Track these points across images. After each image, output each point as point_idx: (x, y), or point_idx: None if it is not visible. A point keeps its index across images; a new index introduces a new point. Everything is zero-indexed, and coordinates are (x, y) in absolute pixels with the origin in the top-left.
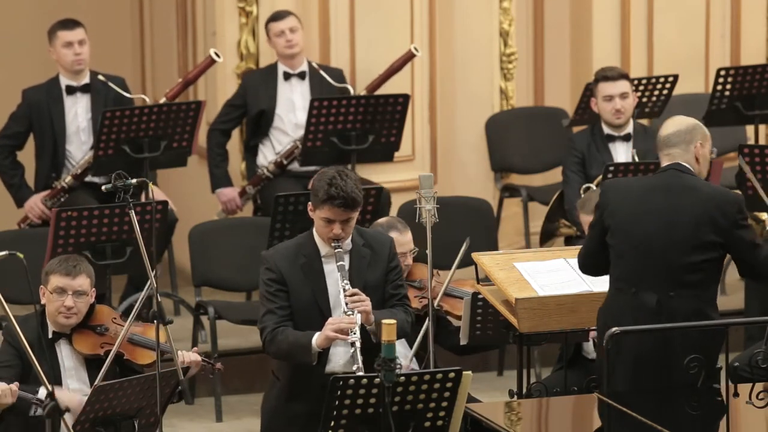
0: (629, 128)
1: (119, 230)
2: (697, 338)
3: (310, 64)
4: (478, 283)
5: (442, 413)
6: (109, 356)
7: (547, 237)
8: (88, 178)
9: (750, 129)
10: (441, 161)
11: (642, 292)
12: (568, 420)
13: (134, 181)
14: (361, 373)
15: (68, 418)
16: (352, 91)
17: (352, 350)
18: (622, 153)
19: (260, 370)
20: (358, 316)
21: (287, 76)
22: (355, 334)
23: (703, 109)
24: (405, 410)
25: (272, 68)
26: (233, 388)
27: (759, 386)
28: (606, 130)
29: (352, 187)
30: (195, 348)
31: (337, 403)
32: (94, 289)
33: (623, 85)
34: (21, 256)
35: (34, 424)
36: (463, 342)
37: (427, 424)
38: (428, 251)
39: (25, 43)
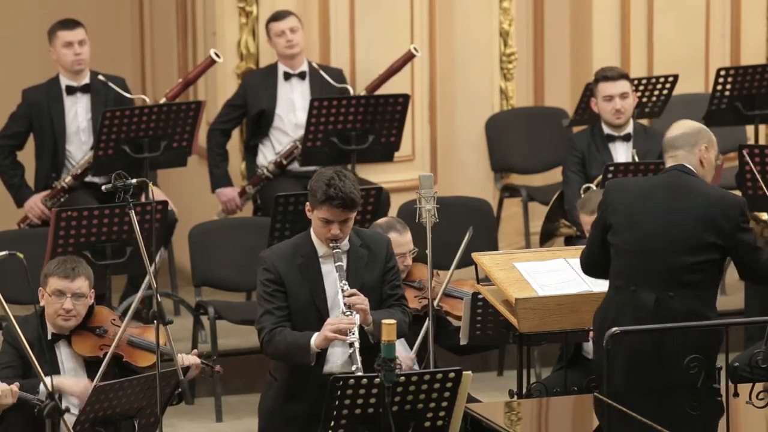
0: (629, 128)
1: (119, 230)
2: (694, 339)
3: (310, 64)
4: (478, 283)
5: (442, 413)
6: (106, 358)
7: (547, 237)
8: (88, 178)
9: (750, 129)
10: (441, 161)
11: (641, 291)
12: (568, 420)
13: (134, 181)
14: (360, 374)
15: (72, 407)
16: (351, 92)
17: (351, 350)
18: (622, 153)
19: (260, 370)
20: (357, 316)
21: (287, 76)
22: (354, 334)
23: (703, 109)
24: (405, 410)
25: (272, 68)
26: (233, 388)
27: (759, 386)
28: (606, 130)
29: (350, 187)
30: (195, 351)
31: (337, 403)
32: (93, 290)
33: (623, 85)
34: (21, 256)
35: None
36: (463, 342)
37: (427, 424)
38: (428, 251)
39: (25, 43)
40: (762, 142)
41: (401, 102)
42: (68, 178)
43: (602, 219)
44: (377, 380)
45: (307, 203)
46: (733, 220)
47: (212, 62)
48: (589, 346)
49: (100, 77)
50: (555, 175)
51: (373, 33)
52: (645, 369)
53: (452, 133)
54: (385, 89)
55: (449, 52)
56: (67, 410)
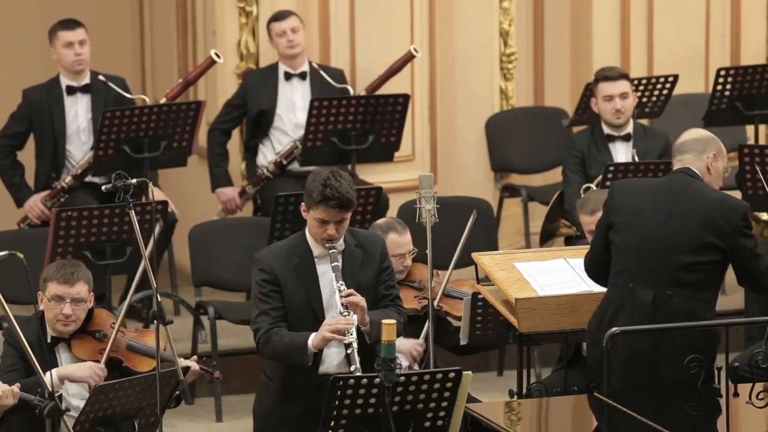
0: (629, 128)
1: (119, 230)
2: (692, 339)
3: (311, 64)
4: (478, 283)
5: (442, 413)
6: (102, 359)
7: (547, 237)
8: (88, 178)
9: (750, 129)
10: (441, 161)
11: (639, 289)
12: (568, 420)
13: (134, 181)
14: (359, 374)
15: (72, 408)
16: (352, 92)
17: (349, 351)
18: (622, 153)
19: (260, 371)
20: (355, 316)
21: (288, 76)
22: (351, 334)
23: (703, 109)
24: (405, 410)
25: (273, 68)
26: (233, 388)
27: (759, 386)
28: (606, 130)
29: (346, 187)
30: (194, 357)
31: (337, 403)
32: (92, 294)
33: (623, 85)
34: (21, 256)
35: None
36: (463, 342)
37: (427, 424)
38: (428, 251)
39: (25, 43)
40: (762, 142)
41: (401, 102)
42: (68, 178)
43: (605, 218)
44: (377, 380)
45: (302, 203)
46: (733, 223)
47: (212, 63)
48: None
49: (101, 77)
50: (555, 175)
51: (373, 33)
52: (642, 368)
53: (452, 133)
54: (385, 89)
55: (449, 52)
56: (67, 410)
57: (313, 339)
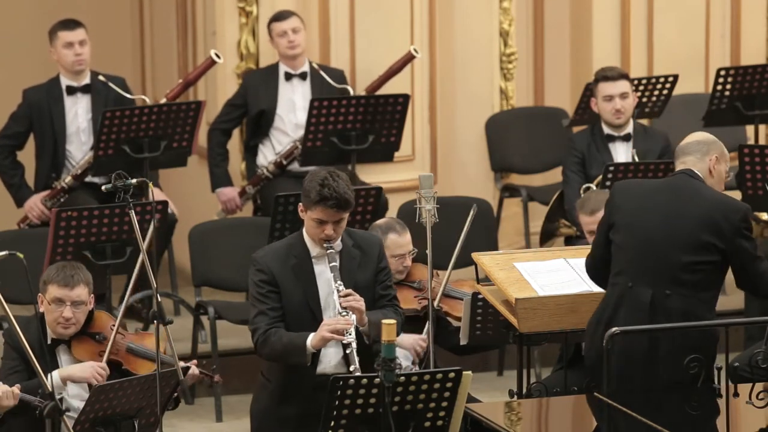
0: (629, 128)
1: (119, 230)
2: (689, 339)
3: (311, 64)
4: (478, 283)
5: (442, 413)
6: (102, 361)
7: (547, 237)
8: (88, 179)
9: (750, 129)
10: (441, 161)
11: (638, 287)
12: (568, 420)
13: (134, 181)
14: (359, 374)
15: (72, 409)
16: (351, 92)
17: (348, 351)
18: (622, 153)
19: (260, 371)
20: (354, 316)
21: (288, 77)
22: (350, 335)
23: (703, 109)
24: (405, 410)
25: (273, 68)
26: (233, 388)
27: (759, 386)
28: (606, 130)
29: (344, 187)
30: (194, 361)
31: (337, 403)
32: (92, 295)
33: (623, 85)
34: (21, 256)
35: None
36: (463, 342)
37: (427, 424)
38: (428, 251)
39: (25, 43)
40: (762, 142)
41: (401, 102)
42: (68, 178)
43: (607, 218)
44: (377, 380)
45: (300, 204)
46: (733, 224)
47: (212, 63)
48: None
49: (101, 77)
50: (555, 175)
51: (373, 33)
52: (639, 368)
53: (452, 133)
54: (385, 89)
55: (449, 52)
56: (68, 410)
57: (312, 339)
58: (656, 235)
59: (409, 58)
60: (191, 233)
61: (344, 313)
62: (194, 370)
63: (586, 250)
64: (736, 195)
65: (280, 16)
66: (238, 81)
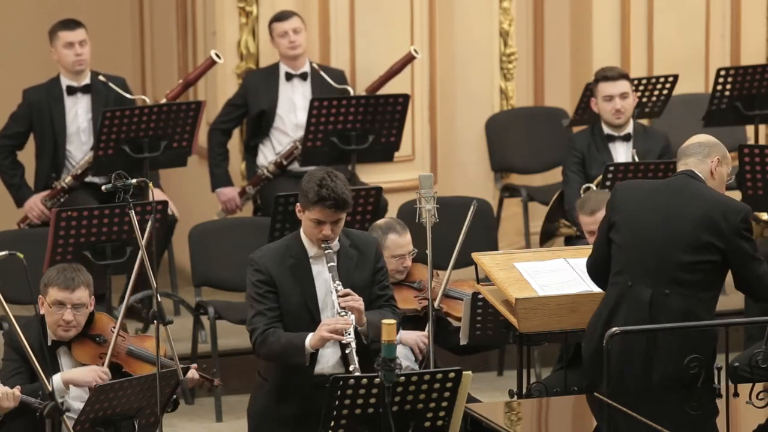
0: (629, 128)
1: (119, 230)
2: (688, 338)
3: (311, 65)
4: (478, 283)
5: (442, 413)
6: (104, 364)
7: (547, 237)
8: (88, 178)
9: (750, 129)
10: (441, 161)
11: (637, 286)
12: (568, 420)
13: (134, 181)
14: (359, 374)
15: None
16: (352, 93)
17: (347, 351)
18: (622, 153)
19: None
20: (352, 316)
21: (289, 77)
22: (349, 335)
23: (703, 109)
24: (405, 410)
25: (274, 68)
26: (233, 388)
27: (759, 386)
28: (606, 130)
29: (342, 188)
30: (194, 365)
31: (337, 403)
32: (93, 297)
33: (623, 85)
34: (21, 256)
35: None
36: (463, 342)
37: (427, 424)
38: (428, 251)
39: (25, 43)
40: (762, 142)
41: (401, 102)
42: (68, 178)
43: (608, 218)
44: (377, 380)
45: (298, 204)
46: (733, 224)
47: (213, 63)
48: None
49: (101, 77)
50: (555, 175)
51: (373, 33)
52: (636, 367)
53: (452, 133)
54: (385, 89)
55: (449, 52)
56: (67, 411)
57: (310, 339)
58: (656, 235)
59: (409, 59)
60: (191, 233)
61: (343, 313)
62: (194, 373)
63: (586, 250)
64: (736, 195)
65: (281, 17)
66: (238, 81)
